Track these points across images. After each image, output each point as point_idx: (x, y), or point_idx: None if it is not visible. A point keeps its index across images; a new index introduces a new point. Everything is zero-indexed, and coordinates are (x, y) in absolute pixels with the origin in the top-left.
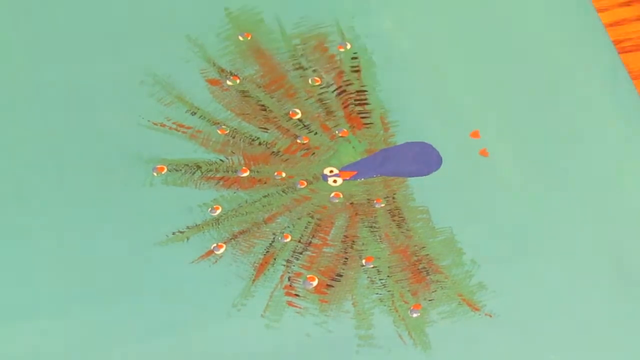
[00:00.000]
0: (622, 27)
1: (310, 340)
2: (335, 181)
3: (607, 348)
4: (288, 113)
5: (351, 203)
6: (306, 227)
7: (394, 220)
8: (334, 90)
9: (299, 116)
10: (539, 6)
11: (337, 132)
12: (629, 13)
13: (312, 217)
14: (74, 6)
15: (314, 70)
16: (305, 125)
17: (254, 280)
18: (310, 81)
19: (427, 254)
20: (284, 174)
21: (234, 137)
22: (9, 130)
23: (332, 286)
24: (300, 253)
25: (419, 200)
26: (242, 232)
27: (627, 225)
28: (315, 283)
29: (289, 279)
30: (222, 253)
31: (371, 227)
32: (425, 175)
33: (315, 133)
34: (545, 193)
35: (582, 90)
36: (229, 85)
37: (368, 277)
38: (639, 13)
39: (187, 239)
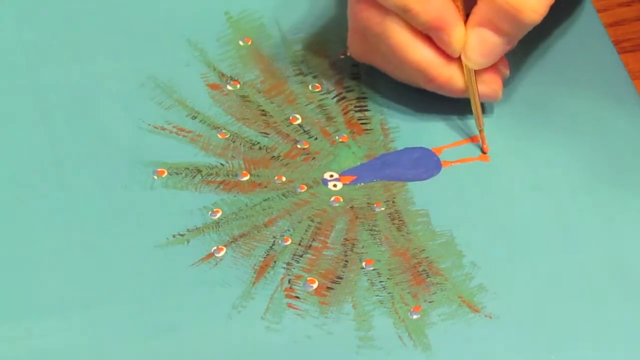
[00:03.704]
0: (622, 27)
1: (310, 342)
2: (335, 185)
3: (607, 348)
4: (288, 118)
5: (351, 207)
6: (306, 231)
7: (394, 224)
8: (334, 97)
9: (299, 121)
10: None
11: (337, 137)
12: (629, 13)
13: (312, 220)
14: (74, 9)
15: (315, 77)
16: (305, 131)
17: (254, 282)
18: (310, 87)
19: (427, 257)
20: (284, 178)
21: (234, 142)
22: (9, 133)
23: (332, 288)
24: (301, 256)
25: (418, 204)
26: (242, 235)
27: (627, 225)
28: (315, 285)
29: (289, 282)
30: (222, 256)
31: (371, 230)
32: (424, 179)
33: (316, 138)
34: (545, 195)
35: (582, 90)
36: (229, 90)
37: (368, 280)
38: (639, 13)
39: (188, 241)
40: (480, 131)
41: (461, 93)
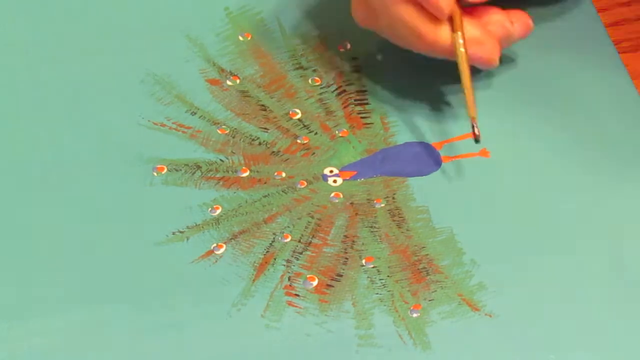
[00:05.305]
0: (622, 27)
1: (310, 340)
2: (335, 181)
3: (607, 348)
4: (288, 113)
5: (351, 203)
6: (306, 227)
7: (394, 220)
8: (334, 90)
9: (299, 116)
10: (538, 6)
11: (337, 132)
12: (629, 13)
13: (312, 217)
14: (73, 6)
15: (314, 70)
16: (305, 125)
17: (254, 280)
18: (310, 81)
19: (427, 254)
20: (284, 174)
21: (234, 137)
22: (9, 129)
23: (332, 286)
24: (300, 253)
25: (419, 200)
26: (242, 232)
27: (627, 225)
28: (315, 283)
29: (289, 279)
30: (222, 253)
31: (371, 227)
32: (425, 175)
33: (315, 133)
34: (545, 193)
35: (582, 91)
36: (229, 85)
37: (368, 277)
38: (639, 13)
39: (187, 238)
40: (472, 118)
41: (450, 53)
